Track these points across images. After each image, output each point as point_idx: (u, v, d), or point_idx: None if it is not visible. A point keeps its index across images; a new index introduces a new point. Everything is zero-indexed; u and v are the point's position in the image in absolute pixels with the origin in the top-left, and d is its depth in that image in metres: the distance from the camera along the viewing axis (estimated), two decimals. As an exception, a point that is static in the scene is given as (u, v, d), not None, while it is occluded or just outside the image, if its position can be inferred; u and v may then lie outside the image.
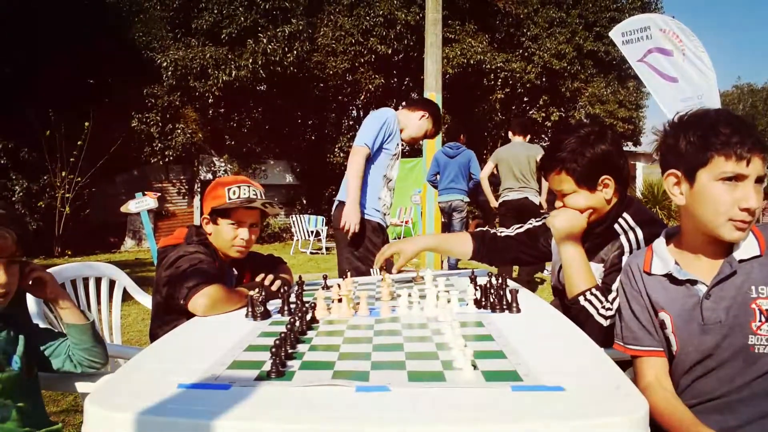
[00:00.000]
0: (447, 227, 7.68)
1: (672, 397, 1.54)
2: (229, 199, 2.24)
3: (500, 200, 6.79)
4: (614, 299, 1.86)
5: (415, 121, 3.76)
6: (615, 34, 7.28)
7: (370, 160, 3.62)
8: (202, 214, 2.39)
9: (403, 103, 3.89)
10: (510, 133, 6.92)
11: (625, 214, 1.99)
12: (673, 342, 1.59)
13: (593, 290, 1.90)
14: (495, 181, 11.28)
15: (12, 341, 1.61)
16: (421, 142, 6.90)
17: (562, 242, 1.99)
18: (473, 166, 7.25)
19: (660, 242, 1.68)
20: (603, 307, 1.87)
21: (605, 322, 1.85)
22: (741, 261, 1.50)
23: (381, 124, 3.60)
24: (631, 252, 1.90)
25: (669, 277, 1.60)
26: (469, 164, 7.29)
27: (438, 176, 7.56)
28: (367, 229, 3.63)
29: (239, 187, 2.27)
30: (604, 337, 1.80)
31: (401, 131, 3.76)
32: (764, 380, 1.46)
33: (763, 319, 1.45)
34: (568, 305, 1.96)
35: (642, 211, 2.04)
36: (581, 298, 1.90)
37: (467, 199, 7.51)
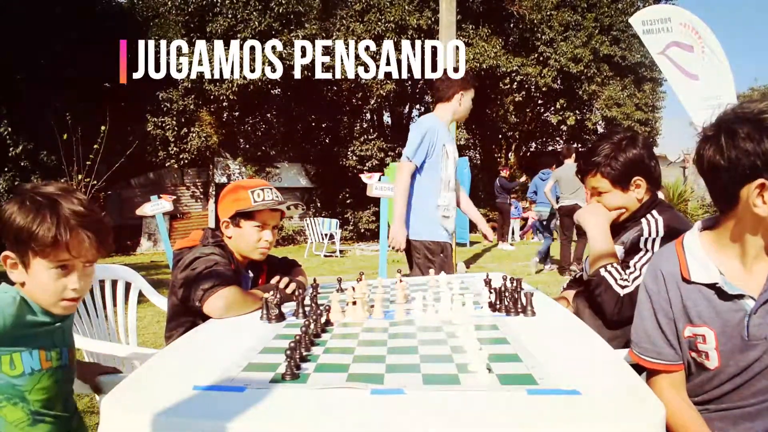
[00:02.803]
0: (545, 228, 10.38)
1: (686, 406, 1.51)
2: (255, 201, 2.25)
3: (558, 205, 9.04)
4: (631, 274, 2.01)
5: (456, 107, 3.68)
6: (635, 21, 7.16)
7: (419, 170, 3.64)
8: (217, 217, 2.40)
9: (433, 103, 3.83)
10: (563, 158, 9.27)
11: (653, 211, 2.13)
12: (714, 358, 1.48)
13: (613, 264, 2.06)
14: (508, 186, 13.15)
15: (68, 335, 1.62)
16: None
17: (590, 232, 2.19)
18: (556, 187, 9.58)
19: (694, 243, 1.53)
20: (621, 278, 2.01)
21: (622, 291, 1.98)
22: None
23: (422, 137, 3.56)
24: (649, 234, 2.04)
25: (713, 288, 1.47)
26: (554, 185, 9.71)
27: (536, 194, 10.56)
28: (419, 251, 3.66)
29: (263, 190, 2.29)
30: (619, 308, 1.97)
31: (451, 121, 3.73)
32: None
33: None
34: (589, 279, 2.12)
35: (667, 206, 2.18)
36: (602, 270, 2.05)
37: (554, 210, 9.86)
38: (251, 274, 2.38)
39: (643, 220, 2.11)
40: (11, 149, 12.41)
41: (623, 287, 1.99)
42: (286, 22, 15.70)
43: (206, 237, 2.27)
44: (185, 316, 2.12)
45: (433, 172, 3.61)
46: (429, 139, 3.57)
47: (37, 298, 1.47)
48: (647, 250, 2.01)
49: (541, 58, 18.29)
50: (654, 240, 2.01)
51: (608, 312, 1.99)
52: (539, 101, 20.48)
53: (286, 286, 2.25)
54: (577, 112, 19.77)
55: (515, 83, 18.37)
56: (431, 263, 3.56)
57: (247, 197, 2.25)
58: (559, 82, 18.98)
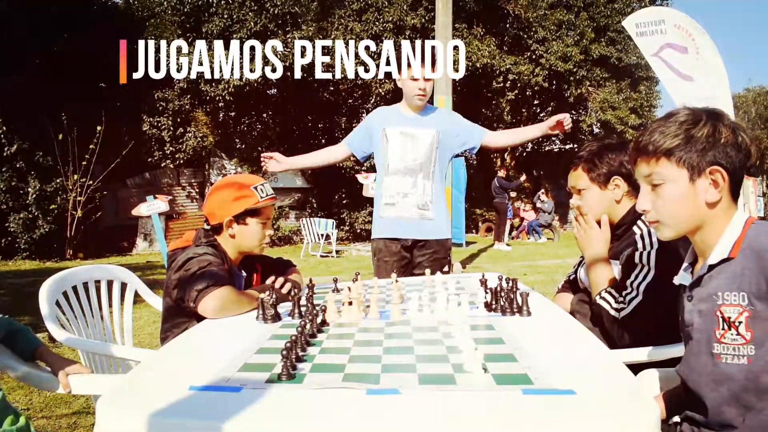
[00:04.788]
0: None
1: None
2: (261, 198, 2.25)
3: None
4: (628, 295, 1.97)
5: (404, 91, 3.42)
6: (629, 24, 7.17)
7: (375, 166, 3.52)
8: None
9: None
10: None
11: (643, 217, 2.06)
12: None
13: (607, 288, 2.04)
14: (507, 185, 13.38)
15: None
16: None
17: (593, 265, 2.14)
18: None
19: None
20: (616, 302, 1.99)
21: (618, 315, 1.96)
22: (711, 266, 1.40)
23: (361, 124, 3.57)
24: (643, 248, 2.00)
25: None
26: None
27: None
28: (374, 250, 3.46)
29: (263, 185, 2.30)
30: (620, 333, 1.96)
31: (415, 108, 3.41)
32: (726, 388, 1.38)
33: (726, 327, 1.37)
34: (591, 310, 2.13)
35: None
36: (597, 298, 2.05)
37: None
38: (244, 274, 2.38)
39: (636, 229, 2.08)
40: (6, 149, 12.37)
41: (619, 310, 1.96)
42: (282, 23, 15.67)
43: (198, 237, 2.25)
44: (180, 317, 2.11)
45: (378, 159, 3.46)
46: (364, 125, 3.53)
47: None
48: (643, 266, 1.97)
49: (533, 57, 18.29)
50: (649, 253, 1.97)
51: (613, 338, 1.98)
52: (534, 101, 20.48)
53: (282, 286, 2.24)
54: (573, 112, 19.76)
55: (508, 82, 18.37)
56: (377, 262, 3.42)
57: (254, 194, 2.25)
58: (553, 82, 18.98)
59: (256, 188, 2.26)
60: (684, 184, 1.40)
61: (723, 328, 1.37)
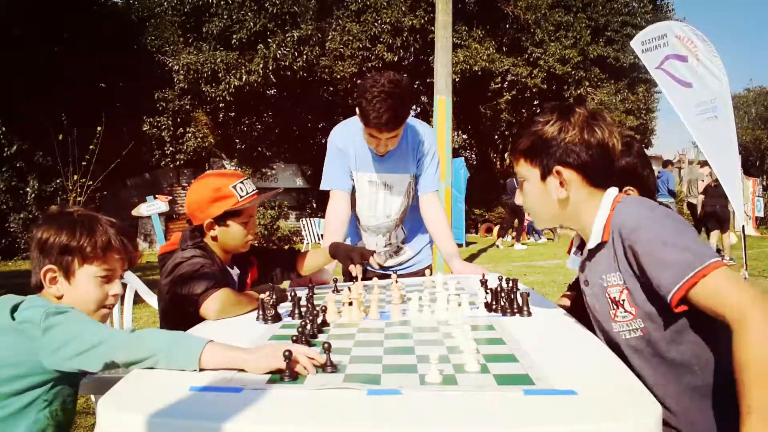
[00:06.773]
0: None
1: None
2: (241, 197, 2.15)
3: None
4: None
5: (364, 131, 2.61)
6: (636, 44, 7.69)
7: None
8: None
9: None
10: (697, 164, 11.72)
11: None
12: None
13: None
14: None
15: None
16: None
17: None
18: (670, 182, 11.15)
19: None
20: None
21: None
22: (591, 251, 1.48)
23: (328, 154, 2.83)
24: None
25: None
26: (667, 181, 11.09)
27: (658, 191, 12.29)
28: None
29: (242, 182, 2.18)
30: None
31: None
32: (640, 360, 1.46)
33: (615, 307, 1.44)
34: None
35: None
36: None
37: (672, 200, 11.10)
38: (237, 271, 2.33)
39: None
40: (6, 149, 12.37)
41: None
42: (281, 22, 15.68)
43: (185, 240, 2.16)
44: (177, 319, 2.09)
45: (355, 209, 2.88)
46: (338, 158, 2.80)
47: (78, 308, 1.50)
48: None
49: (531, 59, 18.29)
50: None
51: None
52: (534, 101, 20.47)
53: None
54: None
55: (506, 83, 18.38)
56: None
57: (232, 194, 2.14)
58: (552, 83, 18.96)
59: (234, 187, 2.15)
60: (537, 183, 1.50)
61: (613, 308, 1.45)
